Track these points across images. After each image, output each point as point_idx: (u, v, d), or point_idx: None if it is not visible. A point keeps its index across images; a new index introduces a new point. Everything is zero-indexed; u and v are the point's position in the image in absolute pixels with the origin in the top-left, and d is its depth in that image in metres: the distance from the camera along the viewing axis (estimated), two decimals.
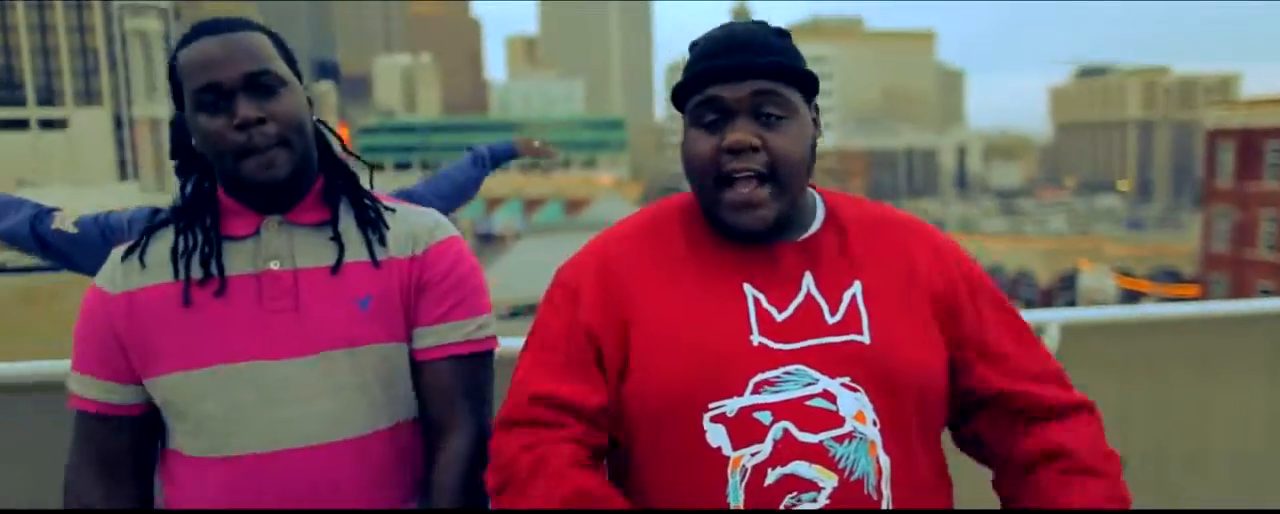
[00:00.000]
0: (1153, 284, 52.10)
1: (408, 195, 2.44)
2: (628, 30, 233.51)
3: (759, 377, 1.21)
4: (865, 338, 1.24)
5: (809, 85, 1.28)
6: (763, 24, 1.31)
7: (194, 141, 1.33)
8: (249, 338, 1.31)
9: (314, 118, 1.40)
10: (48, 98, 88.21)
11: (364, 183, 1.48)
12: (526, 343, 1.33)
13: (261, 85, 1.29)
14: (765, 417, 1.19)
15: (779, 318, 1.25)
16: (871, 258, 1.31)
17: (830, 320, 1.25)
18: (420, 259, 1.40)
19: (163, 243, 1.37)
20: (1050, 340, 2.39)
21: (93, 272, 2.15)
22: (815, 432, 1.19)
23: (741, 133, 1.23)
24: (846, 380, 1.22)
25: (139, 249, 1.37)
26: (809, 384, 1.21)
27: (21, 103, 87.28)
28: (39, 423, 2.05)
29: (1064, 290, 53.67)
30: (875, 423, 1.21)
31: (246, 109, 1.27)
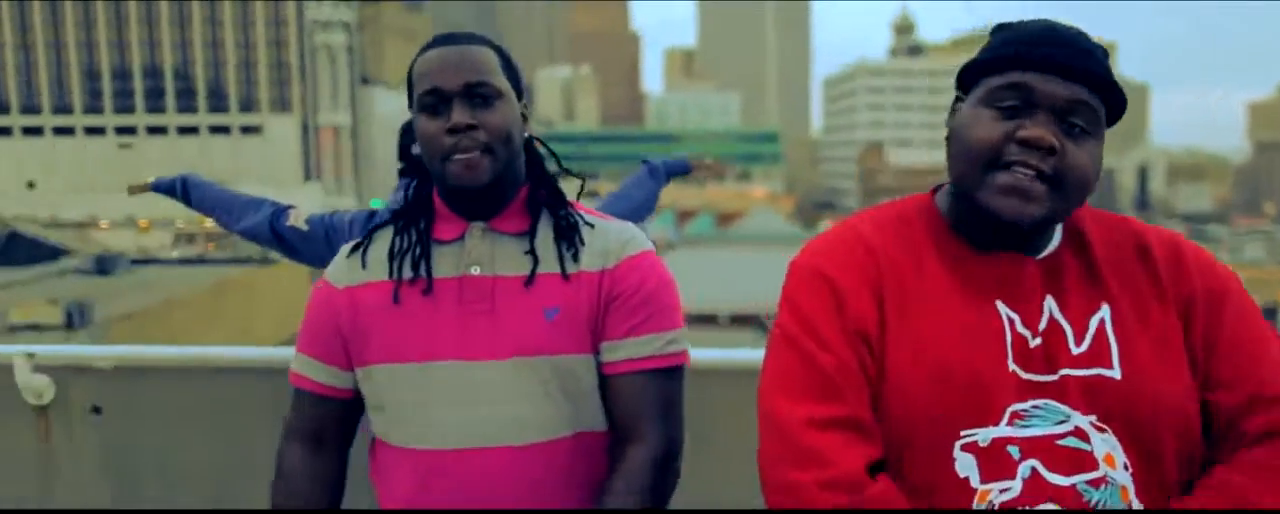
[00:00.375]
0: None
1: None
2: (785, 44, 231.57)
3: (1014, 407, 1.11)
4: (1114, 372, 1.12)
5: (1117, 113, 1.17)
6: (1083, 33, 1.18)
7: (416, 145, 1.42)
8: (449, 337, 1.38)
9: (525, 132, 1.47)
10: (247, 106, 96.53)
11: (570, 194, 1.54)
12: (789, 330, 1.19)
13: (478, 95, 1.37)
14: (1014, 452, 1.10)
15: (1032, 344, 1.14)
16: (1119, 278, 1.19)
17: (1075, 350, 1.14)
18: (611, 273, 1.42)
19: (381, 243, 1.47)
20: None
21: (314, 264, 2.35)
22: (1067, 474, 1.09)
23: (1044, 130, 1.11)
24: (1094, 420, 1.11)
25: (362, 248, 1.48)
26: (1060, 421, 1.10)
27: (226, 110, 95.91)
28: (252, 401, 2.23)
29: None
30: (1126, 467, 1.10)
31: (459, 115, 1.36)
